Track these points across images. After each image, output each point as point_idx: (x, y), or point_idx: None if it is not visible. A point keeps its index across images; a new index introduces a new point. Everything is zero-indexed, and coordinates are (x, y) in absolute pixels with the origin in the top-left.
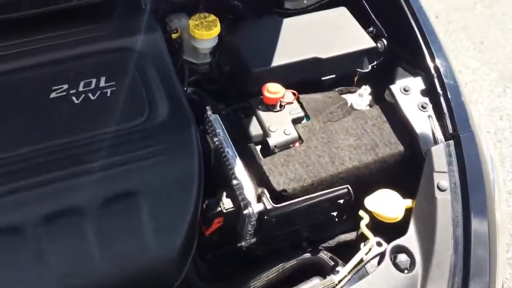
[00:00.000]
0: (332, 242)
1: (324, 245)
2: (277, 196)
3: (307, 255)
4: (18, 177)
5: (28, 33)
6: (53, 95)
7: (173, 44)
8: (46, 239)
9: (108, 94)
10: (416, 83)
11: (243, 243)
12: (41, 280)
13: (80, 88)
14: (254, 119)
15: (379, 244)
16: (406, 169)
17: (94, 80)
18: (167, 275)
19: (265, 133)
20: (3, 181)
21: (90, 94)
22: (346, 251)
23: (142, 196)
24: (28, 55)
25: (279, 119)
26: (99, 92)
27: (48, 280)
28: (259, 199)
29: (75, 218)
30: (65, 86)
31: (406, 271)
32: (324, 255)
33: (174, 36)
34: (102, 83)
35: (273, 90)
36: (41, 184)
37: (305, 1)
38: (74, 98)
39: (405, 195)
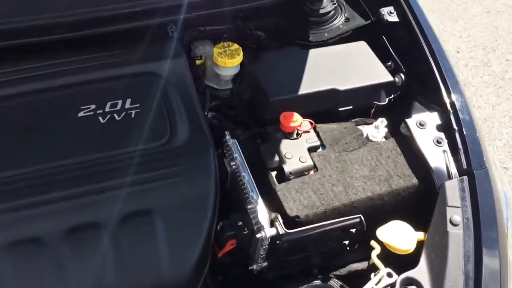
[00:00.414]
0: (343, 271)
1: (335, 273)
2: (290, 221)
3: (318, 282)
4: (42, 190)
5: (61, 55)
6: (81, 114)
7: (197, 70)
8: (66, 252)
9: (133, 116)
10: (432, 118)
11: (254, 266)
12: None
13: (107, 109)
14: (271, 146)
15: (389, 275)
16: (419, 202)
17: (120, 102)
18: None
19: (281, 160)
20: (28, 194)
21: (115, 115)
22: (356, 281)
23: (159, 215)
24: (60, 75)
25: (296, 147)
26: (124, 113)
27: None
28: (272, 223)
29: (94, 233)
30: (93, 106)
31: None
32: (335, 283)
33: (198, 62)
34: (127, 105)
35: (290, 118)
36: (64, 199)
37: (326, 34)
38: (100, 118)
39: (417, 227)
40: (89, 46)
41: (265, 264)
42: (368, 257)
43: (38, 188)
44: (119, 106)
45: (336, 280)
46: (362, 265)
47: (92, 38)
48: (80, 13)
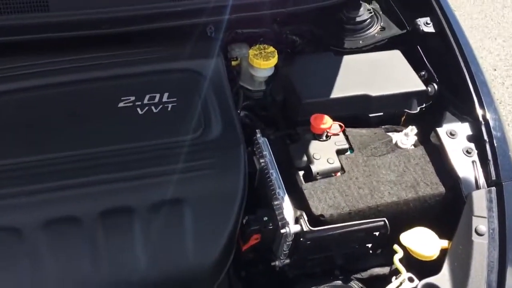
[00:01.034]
0: (364, 274)
1: (356, 276)
2: (315, 220)
3: (338, 282)
4: (82, 173)
5: (107, 49)
6: (121, 104)
7: (232, 70)
8: (99, 232)
9: (169, 109)
10: (463, 128)
11: (277, 263)
12: (91, 274)
13: (145, 101)
14: (300, 146)
15: (411, 280)
16: (446, 211)
17: (158, 95)
18: (200, 283)
19: (309, 160)
20: (66, 176)
21: (153, 107)
22: (377, 285)
23: (188, 204)
24: (105, 67)
25: (324, 148)
26: (161, 106)
27: (96, 276)
28: (297, 221)
29: (126, 218)
30: (132, 98)
31: None
32: (355, 285)
33: (233, 63)
34: (164, 98)
35: (321, 120)
36: (101, 182)
37: (360, 42)
38: (138, 109)
39: (442, 235)
40: (131, 42)
41: (288, 261)
42: (390, 263)
43: (79, 171)
44: (157, 99)
45: (356, 282)
46: (384, 270)
47: (135, 34)
48: (125, 10)
